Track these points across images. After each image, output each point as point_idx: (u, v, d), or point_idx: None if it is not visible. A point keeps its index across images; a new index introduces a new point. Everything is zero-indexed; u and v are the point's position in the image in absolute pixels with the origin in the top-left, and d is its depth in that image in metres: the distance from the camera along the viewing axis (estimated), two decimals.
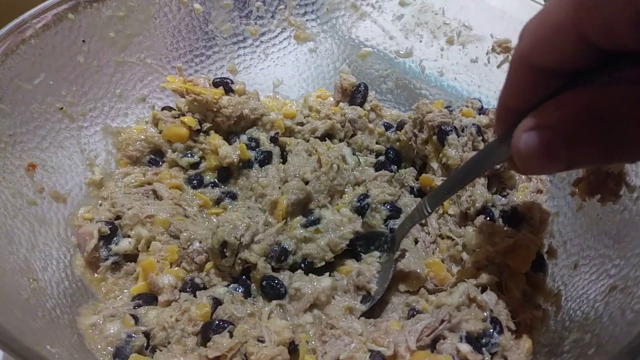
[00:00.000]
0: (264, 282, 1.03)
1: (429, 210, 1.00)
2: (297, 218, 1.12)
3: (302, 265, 1.08)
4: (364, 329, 0.96)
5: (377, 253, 1.11)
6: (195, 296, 1.02)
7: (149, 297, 1.02)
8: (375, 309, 1.06)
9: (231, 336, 0.92)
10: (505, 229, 1.09)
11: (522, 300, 1.00)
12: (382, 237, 1.12)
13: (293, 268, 1.08)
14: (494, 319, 0.93)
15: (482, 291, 0.97)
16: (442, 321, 0.91)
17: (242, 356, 0.88)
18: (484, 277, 1.01)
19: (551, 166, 0.64)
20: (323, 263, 1.08)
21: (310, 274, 1.06)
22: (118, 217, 1.13)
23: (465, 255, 1.12)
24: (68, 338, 0.88)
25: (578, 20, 0.55)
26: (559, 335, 0.91)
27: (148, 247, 1.09)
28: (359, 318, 1.02)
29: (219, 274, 1.07)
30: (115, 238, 1.10)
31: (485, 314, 0.93)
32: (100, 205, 1.17)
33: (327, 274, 1.07)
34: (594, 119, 0.58)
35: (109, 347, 0.92)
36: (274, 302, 1.01)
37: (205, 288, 1.05)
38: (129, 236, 1.11)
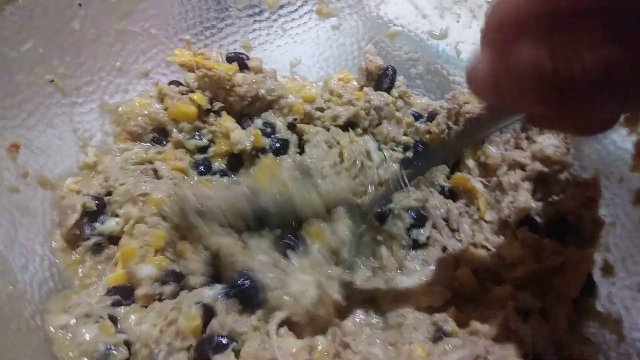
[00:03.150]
0: (240, 282, 0.89)
1: (406, 184, 0.90)
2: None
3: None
4: (384, 354, 0.84)
5: (347, 222, 0.98)
6: (176, 295, 0.90)
7: (127, 290, 0.91)
8: (392, 325, 0.94)
9: (237, 356, 0.81)
10: (552, 243, 0.96)
11: (568, 330, 0.88)
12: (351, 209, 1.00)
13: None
14: (537, 355, 0.81)
15: (523, 318, 0.85)
16: (477, 356, 0.79)
17: None
18: (526, 300, 0.88)
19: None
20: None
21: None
22: (109, 194, 1.02)
23: (502, 270, 0.99)
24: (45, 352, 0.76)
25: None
26: None
27: None
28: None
29: (194, 258, 0.94)
30: (101, 216, 1.00)
31: (527, 348, 0.81)
32: (92, 177, 1.06)
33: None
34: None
35: (84, 358, 0.80)
36: (280, 314, 0.87)
37: (184, 276, 0.93)
38: (117, 215, 1.00)
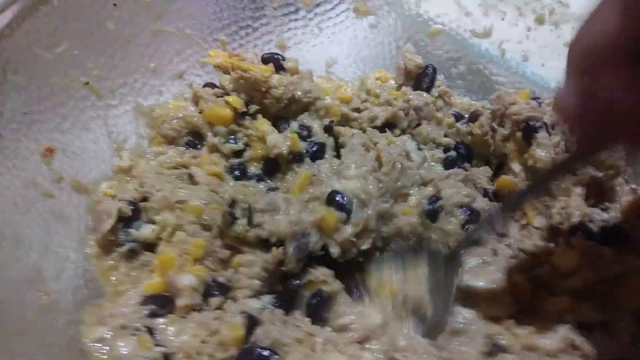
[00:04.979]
0: (315, 300, 0.89)
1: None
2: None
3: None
4: None
5: (425, 269, 0.93)
6: (222, 308, 0.87)
7: (164, 300, 0.87)
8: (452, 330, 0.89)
9: None
10: (610, 251, 0.90)
11: (630, 345, 0.83)
12: (433, 254, 0.95)
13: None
14: None
15: (584, 331, 0.80)
16: None
17: None
18: (586, 313, 0.83)
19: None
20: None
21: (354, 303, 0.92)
22: (145, 199, 0.99)
23: (555, 279, 0.94)
24: None
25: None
26: None
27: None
28: None
29: (248, 272, 0.91)
30: (137, 222, 0.96)
31: None
32: (128, 182, 1.03)
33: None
34: None
35: None
36: (327, 328, 0.86)
37: (230, 289, 0.90)
38: (153, 222, 0.97)
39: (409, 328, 0.87)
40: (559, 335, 0.79)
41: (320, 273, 0.90)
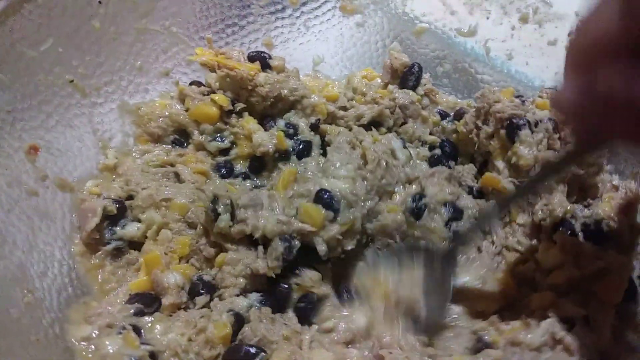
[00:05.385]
0: (303, 304, 0.89)
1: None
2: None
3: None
4: None
5: (421, 271, 0.93)
6: (208, 306, 0.87)
7: (150, 298, 0.88)
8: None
9: None
10: (592, 247, 0.91)
11: (612, 339, 0.84)
12: (426, 252, 0.94)
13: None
14: None
15: (567, 326, 0.80)
16: None
17: None
18: (568, 309, 0.84)
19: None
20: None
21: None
22: (130, 197, 1.00)
23: (538, 275, 0.95)
24: None
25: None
26: None
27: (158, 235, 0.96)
28: None
29: (232, 270, 0.91)
30: (122, 220, 0.97)
31: (573, 359, 0.77)
32: (113, 180, 1.04)
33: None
34: None
35: None
36: (314, 327, 0.86)
37: (216, 288, 0.90)
38: (139, 220, 0.98)
39: (400, 330, 0.87)
40: (542, 330, 0.79)
41: (308, 277, 0.90)
